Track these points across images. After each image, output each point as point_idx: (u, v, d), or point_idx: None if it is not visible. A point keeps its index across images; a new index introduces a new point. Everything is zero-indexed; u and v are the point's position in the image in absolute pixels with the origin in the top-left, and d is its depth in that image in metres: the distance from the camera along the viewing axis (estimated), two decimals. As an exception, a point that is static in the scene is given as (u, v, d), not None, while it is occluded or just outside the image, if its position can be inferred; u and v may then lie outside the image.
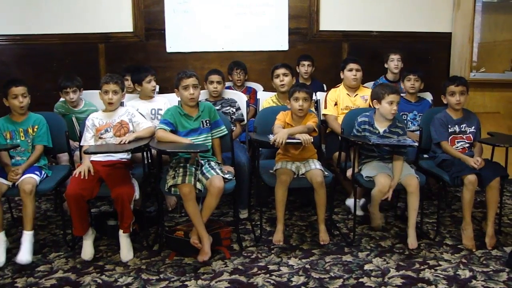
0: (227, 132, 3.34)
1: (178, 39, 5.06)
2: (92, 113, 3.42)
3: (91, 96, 3.95)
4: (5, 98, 3.24)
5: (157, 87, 4.44)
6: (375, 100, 3.27)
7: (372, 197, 3.15)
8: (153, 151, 3.37)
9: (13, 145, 3.17)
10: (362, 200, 3.68)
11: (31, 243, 2.95)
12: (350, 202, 3.68)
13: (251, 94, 4.47)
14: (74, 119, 3.81)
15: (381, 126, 3.25)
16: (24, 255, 2.89)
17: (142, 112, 3.56)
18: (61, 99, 3.97)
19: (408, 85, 3.97)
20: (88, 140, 3.25)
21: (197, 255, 2.90)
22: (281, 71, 3.90)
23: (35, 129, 3.28)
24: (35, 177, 3.05)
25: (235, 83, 4.58)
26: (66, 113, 3.87)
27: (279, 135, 3.03)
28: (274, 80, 3.94)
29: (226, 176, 3.06)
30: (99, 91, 3.30)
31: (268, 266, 2.91)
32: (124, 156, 3.25)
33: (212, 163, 3.16)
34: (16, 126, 3.26)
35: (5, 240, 3.00)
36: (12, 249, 3.09)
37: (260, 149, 3.52)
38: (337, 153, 3.58)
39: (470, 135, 3.41)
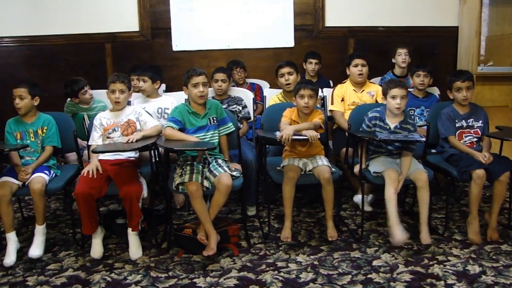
0: (234, 129, 3.35)
1: (184, 37, 5.09)
2: (100, 112, 3.45)
3: (99, 96, 3.99)
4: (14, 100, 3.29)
5: (163, 86, 4.47)
6: (383, 96, 3.28)
7: (386, 198, 3.05)
8: (161, 150, 3.38)
9: (23, 145, 3.20)
10: (370, 196, 3.67)
11: (43, 236, 3.04)
12: (358, 198, 3.68)
13: (256, 91, 4.47)
14: (85, 116, 3.85)
15: (392, 122, 3.24)
16: (35, 250, 2.97)
17: (149, 111, 3.57)
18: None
19: (417, 81, 3.94)
20: (96, 139, 3.27)
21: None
22: (285, 70, 3.88)
23: (44, 130, 3.30)
24: (44, 176, 3.08)
25: (237, 81, 4.58)
26: (77, 112, 3.91)
27: (285, 131, 3.04)
28: (279, 79, 3.93)
29: (234, 173, 3.07)
30: (106, 90, 3.31)
31: (276, 263, 2.91)
32: (132, 154, 3.27)
33: (220, 161, 3.17)
34: (26, 127, 3.29)
35: (16, 240, 3.03)
36: (23, 248, 3.12)
37: (267, 146, 3.52)
38: (344, 149, 3.58)
39: (478, 129, 3.39)
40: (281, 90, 3.99)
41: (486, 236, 3.16)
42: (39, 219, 3.05)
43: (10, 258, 2.95)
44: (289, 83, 3.83)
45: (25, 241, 3.25)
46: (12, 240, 3.00)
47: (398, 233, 2.96)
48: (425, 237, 3.04)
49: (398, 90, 3.17)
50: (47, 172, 3.14)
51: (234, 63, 4.60)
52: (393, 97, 3.17)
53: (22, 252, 3.08)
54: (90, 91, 3.95)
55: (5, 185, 3.01)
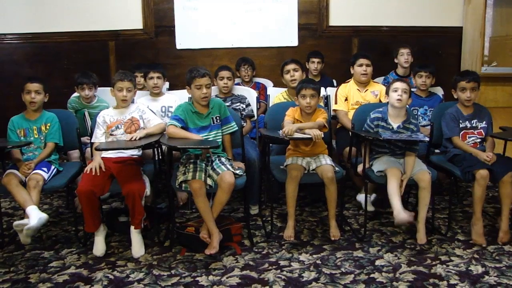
0: (237, 128, 3.34)
1: (187, 36, 5.08)
2: (103, 109, 3.44)
3: (101, 93, 3.98)
4: (22, 93, 3.30)
5: (167, 84, 4.47)
6: (385, 95, 3.28)
7: (388, 190, 3.03)
8: (164, 148, 3.38)
9: (26, 142, 3.22)
10: (373, 196, 3.67)
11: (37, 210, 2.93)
12: (361, 197, 3.67)
13: (260, 90, 4.48)
14: (86, 113, 3.86)
15: (395, 122, 3.24)
16: (33, 220, 2.86)
17: (153, 109, 3.57)
18: (75, 94, 4.01)
19: (419, 81, 3.95)
20: (99, 137, 3.26)
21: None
22: (291, 66, 3.89)
23: (47, 127, 3.32)
24: (42, 173, 3.09)
25: (243, 78, 4.59)
26: (79, 109, 3.92)
27: (288, 127, 3.05)
28: (285, 76, 3.93)
29: (237, 172, 3.06)
30: (111, 88, 3.31)
31: (279, 262, 2.91)
32: (135, 152, 3.27)
33: (223, 159, 3.17)
34: (30, 124, 3.31)
35: (39, 211, 2.92)
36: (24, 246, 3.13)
37: (271, 144, 3.52)
38: (347, 149, 3.57)
39: (482, 130, 3.39)
40: (285, 89, 3.99)
41: (496, 238, 3.14)
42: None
43: (34, 220, 2.84)
44: (295, 79, 3.83)
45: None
46: (33, 211, 2.88)
47: (402, 213, 2.92)
48: (422, 237, 3.05)
49: (399, 83, 3.20)
50: (45, 169, 3.15)
51: (243, 60, 4.61)
52: (395, 90, 3.18)
53: (24, 249, 3.10)
54: (90, 92, 3.89)
55: (10, 174, 3.05)
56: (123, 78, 3.25)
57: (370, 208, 3.60)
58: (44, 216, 2.91)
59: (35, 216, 2.87)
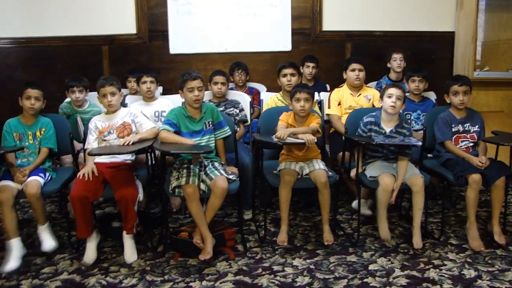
0: (230, 133, 3.34)
1: (181, 40, 5.07)
2: (95, 115, 3.43)
3: (94, 98, 3.95)
4: (20, 98, 3.28)
5: (160, 89, 4.46)
6: (380, 99, 3.29)
7: (377, 199, 3.12)
8: (157, 153, 3.37)
9: (20, 147, 3.20)
10: (369, 201, 3.66)
11: (50, 231, 3.08)
12: (356, 204, 3.67)
13: (254, 95, 4.49)
14: (78, 118, 3.85)
15: (387, 126, 3.25)
16: (47, 243, 3.02)
17: (146, 114, 3.56)
18: (67, 99, 4.01)
19: (412, 86, 3.96)
20: (91, 142, 3.25)
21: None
22: (289, 71, 3.90)
23: (42, 132, 3.30)
24: (39, 179, 3.07)
25: (237, 83, 4.59)
26: (71, 114, 3.91)
27: (281, 131, 3.06)
28: (281, 79, 3.94)
29: (230, 176, 3.06)
30: (97, 95, 3.30)
31: (272, 267, 2.91)
32: (128, 157, 3.26)
33: (216, 164, 3.17)
34: (25, 129, 3.29)
35: (22, 246, 2.99)
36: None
37: (264, 149, 3.52)
38: (341, 153, 3.58)
39: (474, 134, 3.40)
40: (279, 92, 3.99)
41: (489, 242, 3.16)
42: (41, 220, 3.05)
43: (14, 263, 2.88)
44: (291, 84, 3.84)
45: (23, 241, 3.21)
46: (17, 246, 2.95)
47: (385, 230, 3.08)
48: (417, 241, 3.07)
49: (394, 89, 3.19)
50: (42, 175, 3.13)
51: (236, 65, 4.61)
52: (389, 96, 3.19)
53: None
54: (81, 95, 3.91)
55: (6, 189, 2.99)
56: (103, 84, 3.24)
57: (367, 212, 3.60)
58: (22, 252, 2.98)
59: (16, 252, 2.93)
